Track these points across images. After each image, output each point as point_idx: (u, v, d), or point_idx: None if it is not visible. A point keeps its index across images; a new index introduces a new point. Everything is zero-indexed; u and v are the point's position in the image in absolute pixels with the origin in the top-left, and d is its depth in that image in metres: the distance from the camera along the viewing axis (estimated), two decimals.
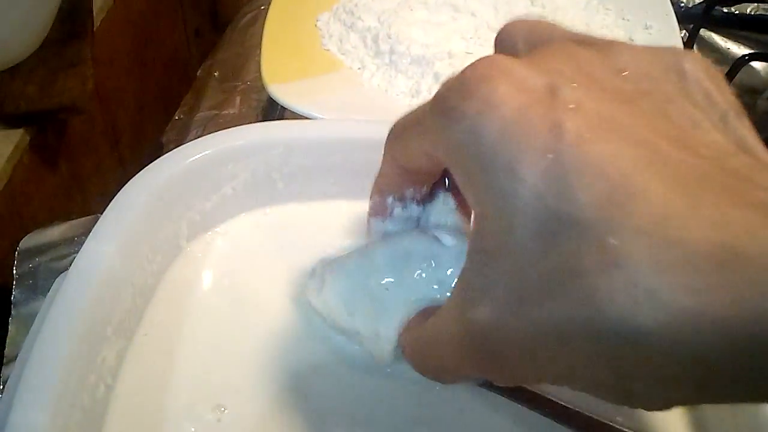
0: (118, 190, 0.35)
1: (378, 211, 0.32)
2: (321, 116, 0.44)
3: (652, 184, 0.19)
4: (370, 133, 0.38)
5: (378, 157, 0.39)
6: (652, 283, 0.18)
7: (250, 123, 0.57)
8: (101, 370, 0.31)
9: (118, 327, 0.32)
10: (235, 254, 0.38)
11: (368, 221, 0.33)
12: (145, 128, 0.71)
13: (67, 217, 0.62)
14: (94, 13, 0.63)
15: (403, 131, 0.27)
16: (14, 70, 0.54)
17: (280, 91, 0.45)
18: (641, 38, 0.55)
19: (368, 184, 0.40)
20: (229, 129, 0.38)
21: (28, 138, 0.54)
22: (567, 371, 0.21)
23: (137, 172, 0.36)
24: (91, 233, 0.32)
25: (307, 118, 0.44)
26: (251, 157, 0.37)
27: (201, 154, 0.36)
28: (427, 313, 0.27)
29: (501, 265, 0.21)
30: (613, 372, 0.19)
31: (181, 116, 0.61)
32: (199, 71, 0.65)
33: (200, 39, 0.86)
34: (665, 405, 0.20)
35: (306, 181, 0.39)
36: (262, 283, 0.37)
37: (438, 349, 0.25)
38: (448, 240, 0.29)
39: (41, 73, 0.54)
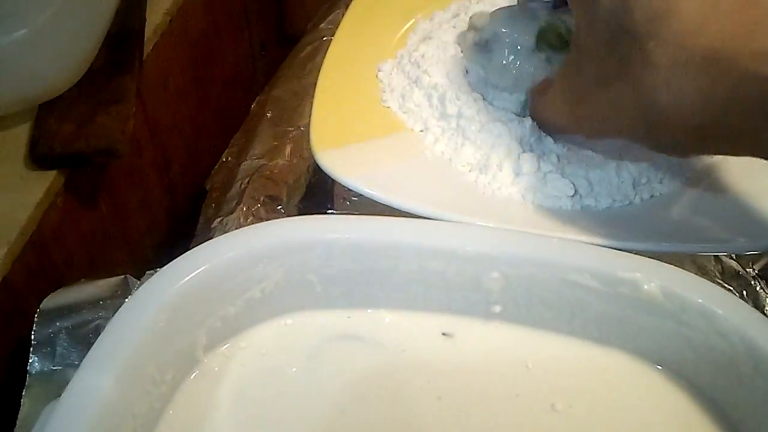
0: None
1: None
2: (374, 193, 0.38)
3: (688, 4, 0.28)
4: (424, 238, 0.33)
5: (432, 265, 0.33)
6: (668, 76, 0.28)
7: (300, 177, 0.52)
8: None
9: None
10: (259, 369, 0.32)
11: None
12: (201, 153, 0.67)
13: (107, 256, 0.58)
14: (147, 35, 0.58)
15: None
16: (51, 105, 0.50)
17: (330, 160, 0.40)
18: None
19: (420, 295, 0.34)
20: (261, 224, 0.32)
21: (62, 179, 0.49)
22: (615, 124, 0.32)
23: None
24: (85, 359, 0.28)
25: (357, 193, 0.39)
26: (286, 256, 0.32)
27: (225, 256, 0.31)
28: (545, 83, 0.38)
29: (585, 57, 0.32)
30: (646, 123, 0.31)
31: (229, 158, 0.56)
32: (253, 105, 0.60)
33: (266, 53, 0.81)
34: (682, 153, 0.33)
35: (348, 285, 0.33)
36: (288, 406, 0.31)
37: (552, 109, 0.37)
38: None
39: (80, 109, 0.50)
